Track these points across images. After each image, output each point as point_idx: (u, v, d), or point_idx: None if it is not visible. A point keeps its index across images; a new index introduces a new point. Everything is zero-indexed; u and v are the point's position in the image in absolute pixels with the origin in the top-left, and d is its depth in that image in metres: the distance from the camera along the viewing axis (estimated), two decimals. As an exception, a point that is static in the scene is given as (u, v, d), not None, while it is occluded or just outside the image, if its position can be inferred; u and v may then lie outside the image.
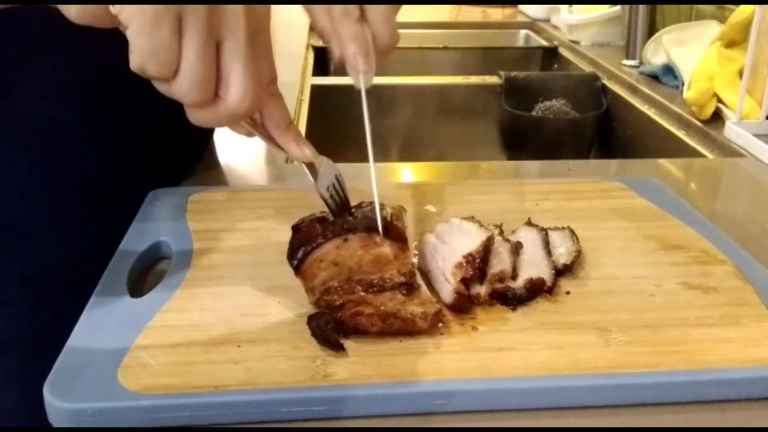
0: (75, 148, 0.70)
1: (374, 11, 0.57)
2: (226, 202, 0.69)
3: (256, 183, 0.82)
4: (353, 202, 0.55)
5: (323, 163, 0.53)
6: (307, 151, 0.51)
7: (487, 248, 0.53)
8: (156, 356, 0.46)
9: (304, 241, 0.51)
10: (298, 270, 0.50)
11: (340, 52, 0.57)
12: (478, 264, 0.52)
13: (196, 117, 0.45)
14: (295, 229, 0.53)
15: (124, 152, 0.73)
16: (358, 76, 0.56)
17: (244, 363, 0.46)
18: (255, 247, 0.61)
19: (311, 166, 0.52)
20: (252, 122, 0.49)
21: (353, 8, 0.56)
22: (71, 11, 0.42)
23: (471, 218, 0.58)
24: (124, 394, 0.43)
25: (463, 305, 0.51)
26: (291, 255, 0.51)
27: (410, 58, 1.74)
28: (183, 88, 0.42)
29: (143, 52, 0.41)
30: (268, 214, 0.67)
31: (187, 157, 0.85)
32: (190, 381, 0.44)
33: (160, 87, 0.43)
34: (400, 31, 0.60)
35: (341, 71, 0.59)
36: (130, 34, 0.41)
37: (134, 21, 0.40)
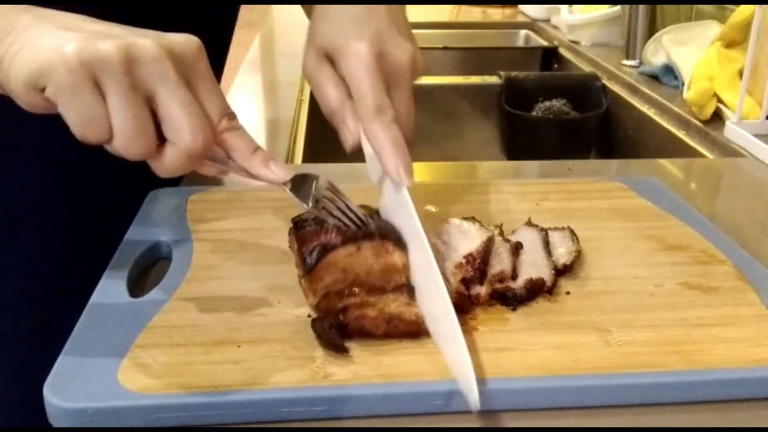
0: (75, 148, 0.70)
1: (398, 102, 0.52)
2: (226, 202, 0.69)
3: (256, 183, 0.82)
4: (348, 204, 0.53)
5: (305, 179, 0.51)
6: (280, 171, 0.48)
7: (487, 249, 0.53)
8: (156, 356, 0.46)
9: (318, 242, 0.50)
10: (311, 270, 0.49)
11: (353, 141, 0.53)
12: (478, 264, 0.52)
13: (160, 169, 0.44)
14: (302, 225, 0.52)
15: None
16: (394, 180, 0.49)
17: (244, 363, 0.46)
18: (255, 247, 0.61)
19: (293, 186, 0.50)
20: (217, 160, 0.48)
21: (387, 103, 0.50)
22: (20, 102, 0.43)
23: (471, 218, 0.58)
24: (124, 394, 0.43)
25: (464, 305, 0.51)
26: (305, 255, 0.50)
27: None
28: (121, 145, 0.42)
29: (76, 124, 0.42)
30: (267, 214, 0.67)
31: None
32: (190, 381, 0.44)
33: (110, 149, 0.43)
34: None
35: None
36: (61, 111, 0.41)
37: (58, 97, 0.41)
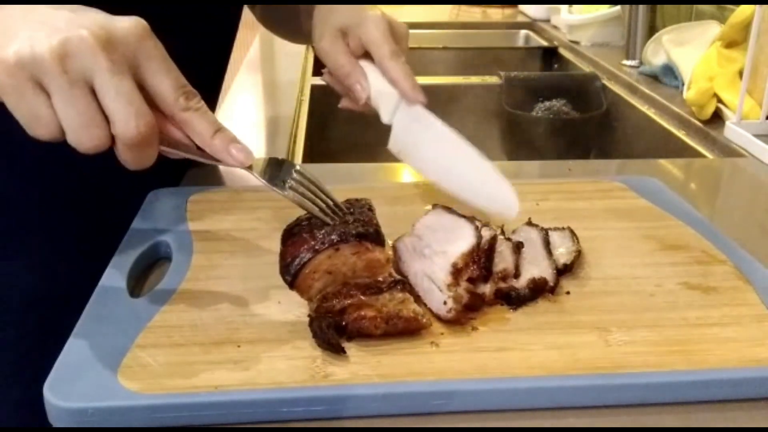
0: (75, 149, 0.70)
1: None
2: (226, 202, 0.69)
3: (256, 183, 0.82)
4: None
5: (281, 164, 0.51)
6: (240, 155, 0.48)
7: (491, 247, 0.53)
8: (156, 356, 0.46)
9: (295, 254, 0.49)
10: (292, 285, 0.50)
11: (366, 94, 0.64)
12: (483, 263, 0.52)
13: (123, 162, 0.45)
14: (285, 236, 0.52)
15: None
16: (410, 98, 0.63)
17: (244, 363, 0.46)
18: (254, 247, 0.61)
19: (266, 169, 0.50)
20: (177, 145, 0.47)
21: (399, 50, 0.64)
22: None
23: (471, 218, 0.57)
24: (124, 394, 0.43)
25: (475, 304, 0.51)
26: (284, 270, 0.50)
27: (410, 58, 1.73)
28: (72, 140, 0.43)
29: (25, 123, 0.43)
30: (267, 214, 0.67)
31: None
32: (190, 381, 0.44)
33: (73, 146, 0.44)
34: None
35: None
36: (10, 110, 0.42)
37: (4, 99, 0.42)
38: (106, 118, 0.43)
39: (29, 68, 0.41)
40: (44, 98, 0.42)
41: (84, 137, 0.43)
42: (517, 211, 0.52)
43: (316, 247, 0.49)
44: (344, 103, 0.69)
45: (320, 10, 0.72)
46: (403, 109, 0.63)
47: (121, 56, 0.43)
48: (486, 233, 0.54)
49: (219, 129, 0.47)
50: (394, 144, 0.65)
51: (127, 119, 0.43)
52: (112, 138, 0.44)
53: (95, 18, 0.44)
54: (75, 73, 0.42)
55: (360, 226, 0.50)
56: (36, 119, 0.42)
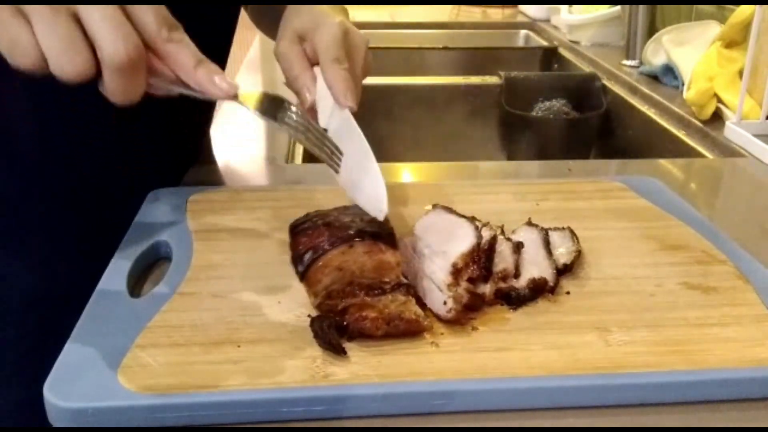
0: (75, 149, 0.70)
1: (351, 69, 0.63)
2: (226, 202, 0.69)
3: (256, 183, 0.82)
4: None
5: (276, 101, 0.50)
6: (224, 84, 0.47)
7: (491, 247, 0.53)
8: (156, 356, 0.46)
9: (309, 246, 0.50)
10: (303, 277, 0.50)
11: (311, 99, 0.62)
12: (483, 263, 0.52)
13: (109, 95, 0.44)
14: (296, 230, 0.52)
15: (124, 153, 0.73)
16: (341, 103, 0.60)
17: (244, 363, 0.46)
18: (255, 247, 0.61)
19: (256, 103, 0.49)
20: (166, 79, 0.46)
21: (344, 58, 0.63)
22: None
23: (471, 218, 0.57)
24: (124, 394, 0.43)
25: (475, 304, 0.51)
26: (297, 260, 0.50)
27: (410, 58, 1.74)
28: (55, 68, 0.42)
29: (6, 53, 0.42)
30: (267, 214, 0.67)
31: (186, 157, 0.85)
32: (190, 381, 0.44)
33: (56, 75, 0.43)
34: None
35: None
36: None
37: None
38: (91, 47, 0.42)
39: None
40: (25, 25, 0.41)
41: (66, 64, 0.42)
42: (385, 213, 0.51)
43: (331, 241, 0.49)
44: None
45: (288, 12, 0.70)
46: (335, 115, 0.62)
47: None
48: (486, 233, 0.54)
49: (201, 60, 0.47)
50: None
51: (115, 42, 0.42)
52: (97, 68, 0.43)
53: None
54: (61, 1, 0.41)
55: (376, 226, 0.51)
56: (16, 46, 0.42)
